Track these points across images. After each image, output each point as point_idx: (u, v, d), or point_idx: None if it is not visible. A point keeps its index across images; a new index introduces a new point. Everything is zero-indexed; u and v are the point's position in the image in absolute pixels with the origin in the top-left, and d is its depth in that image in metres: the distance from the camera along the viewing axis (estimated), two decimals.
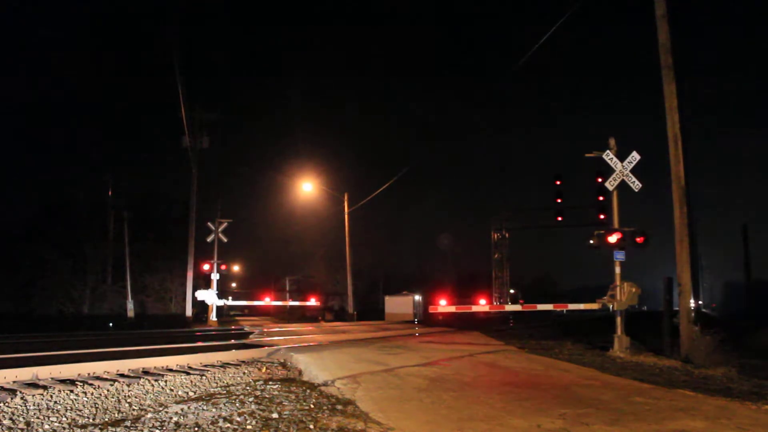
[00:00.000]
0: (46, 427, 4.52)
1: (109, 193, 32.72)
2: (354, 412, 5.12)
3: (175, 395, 6.04)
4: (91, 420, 4.81)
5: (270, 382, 6.76)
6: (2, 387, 6.26)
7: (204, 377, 7.17)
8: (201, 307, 30.03)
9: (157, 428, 4.41)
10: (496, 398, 5.84)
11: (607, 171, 11.28)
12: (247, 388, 6.33)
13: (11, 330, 18.10)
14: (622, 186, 11.13)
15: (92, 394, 5.79)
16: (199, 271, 27.67)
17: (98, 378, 7.06)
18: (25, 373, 6.66)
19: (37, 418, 4.76)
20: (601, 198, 26.38)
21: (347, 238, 31.97)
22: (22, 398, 5.38)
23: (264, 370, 8.15)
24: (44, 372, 6.81)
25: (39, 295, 31.13)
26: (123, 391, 6.01)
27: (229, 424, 4.52)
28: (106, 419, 4.84)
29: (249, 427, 4.49)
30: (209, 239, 28.45)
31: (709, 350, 9.30)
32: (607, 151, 11.23)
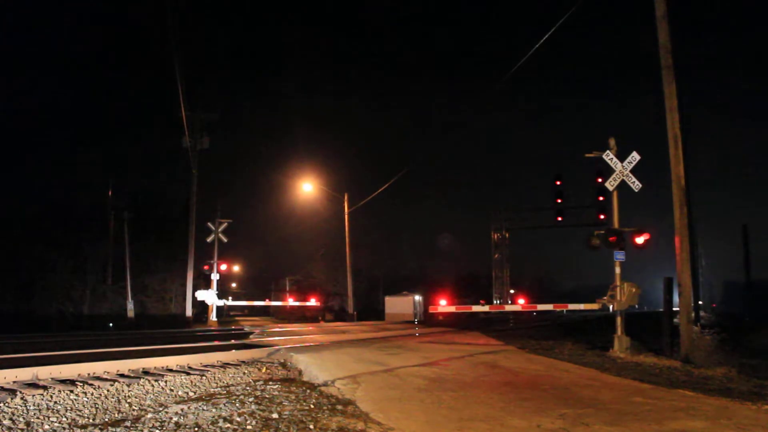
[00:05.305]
0: (46, 427, 4.52)
1: (109, 193, 32.65)
2: (354, 412, 5.12)
3: (175, 395, 6.03)
4: (91, 420, 4.81)
5: (270, 383, 6.76)
6: (2, 387, 6.26)
7: (204, 377, 7.17)
8: (201, 307, 30.04)
9: (157, 428, 4.41)
10: (496, 398, 5.84)
11: (607, 171, 11.28)
12: (247, 388, 6.33)
13: (11, 330, 18.11)
14: (622, 186, 11.12)
15: (92, 394, 5.79)
16: (199, 271, 27.67)
17: (98, 378, 7.06)
18: (25, 373, 6.66)
19: (37, 418, 4.75)
20: (601, 198, 26.45)
21: (347, 238, 31.96)
22: (22, 398, 5.39)
23: (264, 370, 8.15)
24: (44, 372, 6.81)
25: (39, 295, 31.08)
26: (123, 391, 6.01)
27: (229, 425, 4.52)
28: (106, 419, 4.84)
29: (249, 427, 4.49)
30: (209, 239, 28.46)
31: (709, 350, 9.31)
32: (607, 151, 11.23)
